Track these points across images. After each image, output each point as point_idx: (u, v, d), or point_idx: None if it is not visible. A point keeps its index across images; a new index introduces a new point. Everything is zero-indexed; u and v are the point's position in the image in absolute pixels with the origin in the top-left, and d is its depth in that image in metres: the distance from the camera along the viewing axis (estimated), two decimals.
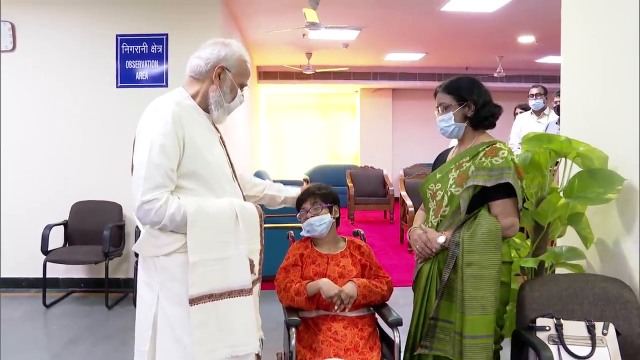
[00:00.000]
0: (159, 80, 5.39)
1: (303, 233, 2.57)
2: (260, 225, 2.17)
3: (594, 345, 2.22)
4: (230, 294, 2.03)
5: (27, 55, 5.44)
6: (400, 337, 2.30)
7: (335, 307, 2.34)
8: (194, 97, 2.16)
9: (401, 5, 6.16)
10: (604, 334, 2.26)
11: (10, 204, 5.39)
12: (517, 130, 5.87)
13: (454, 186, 2.27)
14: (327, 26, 6.05)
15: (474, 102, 2.33)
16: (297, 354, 2.30)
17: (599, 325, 2.27)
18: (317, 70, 9.95)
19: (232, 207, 2.09)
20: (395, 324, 2.31)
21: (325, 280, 2.39)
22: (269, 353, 3.49)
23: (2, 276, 5.41)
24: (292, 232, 2.88)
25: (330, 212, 2.54)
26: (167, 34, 5.38)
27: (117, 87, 5.40)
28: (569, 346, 2.22)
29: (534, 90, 5.66)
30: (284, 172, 12.11)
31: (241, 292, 2.04)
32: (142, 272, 2.14)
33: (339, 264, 2.48)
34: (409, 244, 2.46)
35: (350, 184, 9.77)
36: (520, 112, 6.33)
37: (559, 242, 3.02)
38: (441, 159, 2.51)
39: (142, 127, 2.06)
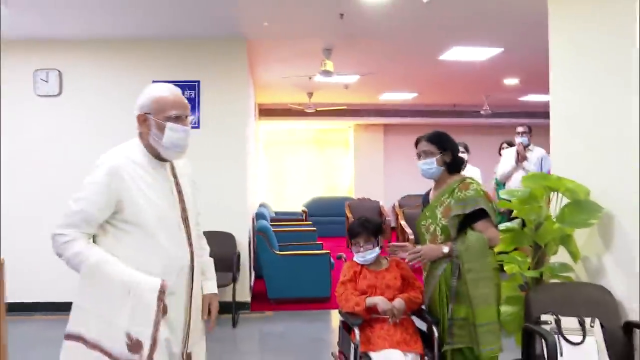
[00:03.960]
0: (192, 124, 6.02)
1: (356, 259, 3.21)
2: (157, 307, 2.10)
3: (584, 335, 2.89)
4: (100, 349, 2.06)
5: (71, 98, 6.07)
6: (438, 332, 2.94)
7: (390, 320, 2.99)
8: (145, 146, 2.30)
9: (404, 54, 6.94)
10: (592, 327, 2.93)
11: None
12: (504, 163, 6.54)
13: (442, 219, 2.95)
14: (338, 73, 6.78)
15: (452, 151, 3.02)
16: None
17: (588, 320, 2.94)
18: (317, 109, 10.66)
19: (129, 283, 2.10)
20: (436, 322, 2.96)
21: (381, 297, 3.04)
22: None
23: None
24: (343, 254, 3.50)
25: (378, 244, 3.21)
26: (199, 81, 6.04)
27: None
28: (566, 335, 2.89)
29: (520, 129, 6.35)
30: (283, 204, 12.72)
31: (110, 356, 2.06)
32: None
33: (385, 277, 3.14)
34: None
35: (349, 215, 10.43)
36: (506, 147, 7.07)
37: (552, 259, 3.72)
38: (425, 198, 3.19)
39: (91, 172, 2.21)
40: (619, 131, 3.18)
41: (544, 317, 2.95)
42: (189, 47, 6.08)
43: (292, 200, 12.88)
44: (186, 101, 2.36)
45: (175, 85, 6.04)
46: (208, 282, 2.48)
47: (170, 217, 2.26)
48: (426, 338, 3.05)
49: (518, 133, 6.41)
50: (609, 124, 3.28)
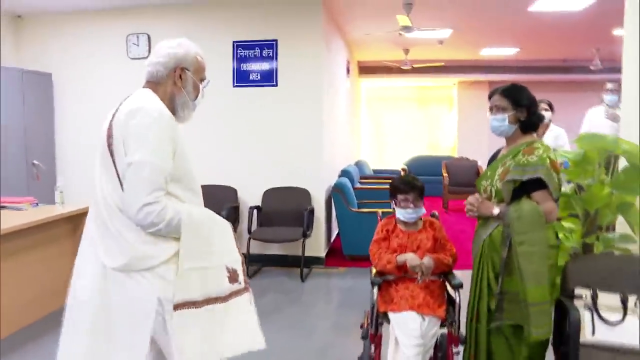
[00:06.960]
0: (270, 80, 6.13)
1: (399, 216, 3.11)
2: (234, 237, 2.21)
3: (625, 314, 2.64)
4: (208, 301, 2.04)
5: None
6: (460, 297, 2.84)
7: (418, 278, 2.90)
8: (162, 100, 2.12)
9: (489, 7, 6.52)
10: (636, 306, 2.68)
11: None
12: (587, 123, 5.83)
13: (498, 181, 2.70)
14: (419, 28, 6.54)
15: (527, 108, 2.73)
16: (379, 306, 2.92)
17: (633, 299, 2.67)
18: (414, 66, 10.39)
19: (211, 218, 2.14)
20: (458, 286, 2.86)
21: (411, 254, 2.96)
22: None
23: None
24: (380, 212, 3.44)
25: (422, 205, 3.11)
26: (276, 40, 6.10)
27: (233, 86, 6.21)
28: (602, 313, 2.65)
29: (609, 86, 5.44)
30: (383, 162, 12.65)
31: (216, 300, 2.06)
32: (130, 290, 2.02)
33: (416, 238, 3.06)
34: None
35: (445, 174, 10.19)
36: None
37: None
38: (494, 157, 2.95)
39: (135, 125, 1.99)
40: None
41: (578, 292, 2.74)
42: (267, 8, 6.14)
43: (394, 158, 12.75)
44: None
45: (254, 44, 6.22)
46: None
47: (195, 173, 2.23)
48: (453, 301, 2.95)
49: (607, 90, 5.65)
50: None
